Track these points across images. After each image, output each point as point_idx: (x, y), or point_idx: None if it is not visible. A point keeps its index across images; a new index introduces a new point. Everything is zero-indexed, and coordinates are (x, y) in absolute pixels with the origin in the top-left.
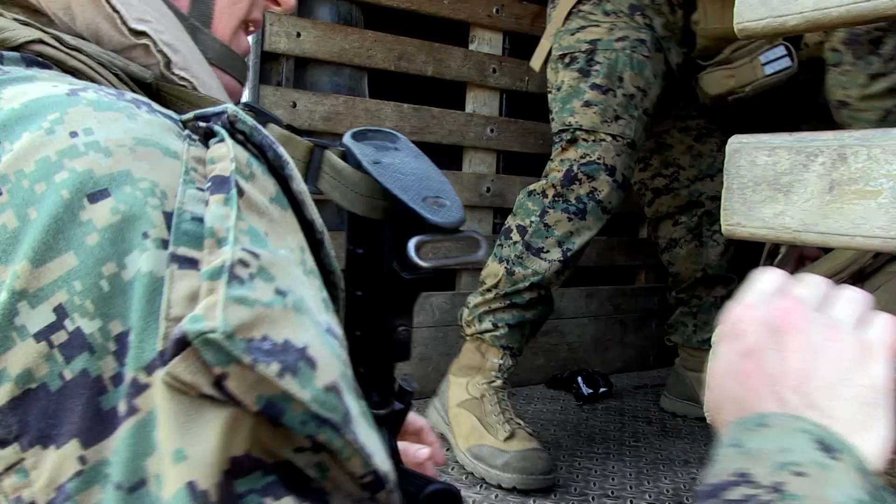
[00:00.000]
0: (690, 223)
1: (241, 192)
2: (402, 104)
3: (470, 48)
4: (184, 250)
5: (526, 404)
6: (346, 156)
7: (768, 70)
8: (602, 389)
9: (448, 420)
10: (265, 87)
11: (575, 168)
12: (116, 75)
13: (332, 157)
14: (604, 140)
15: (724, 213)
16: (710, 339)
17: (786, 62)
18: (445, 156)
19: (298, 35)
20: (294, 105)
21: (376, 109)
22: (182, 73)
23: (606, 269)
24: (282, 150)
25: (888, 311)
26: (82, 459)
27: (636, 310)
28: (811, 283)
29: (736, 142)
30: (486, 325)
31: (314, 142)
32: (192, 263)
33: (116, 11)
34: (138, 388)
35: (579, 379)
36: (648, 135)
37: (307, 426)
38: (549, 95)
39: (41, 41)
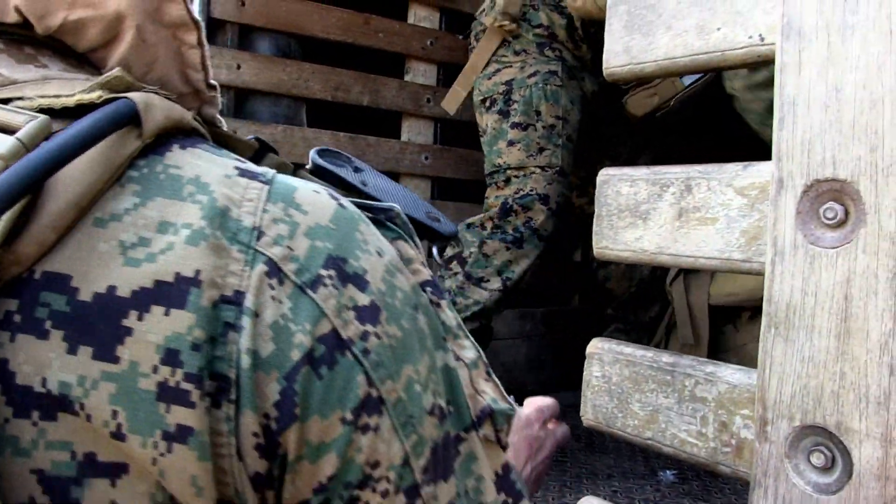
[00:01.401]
0: None
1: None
2: (338, 133)
3: (405, 79)
4: (452, 345)
5: None
6: (318, 173)
7: (687, 81)
8: None
9: None
10: None
11: (510, 201)
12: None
13: (307, 176)
14: (533, 173)
15: (595, 238)
16: None
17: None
18: None
19: (238, 67)
20: (234, 133)
21: (314, 137)
22: (214, 114)
23: (540, 291)
24: (416, 237)
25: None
26: (456, 486)
27: (570, 330)
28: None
29: (604, 174)
30: None
31: (294, 164)
32: (455, 356)
33: (205, 68)
34: (460, 440)
35: (511, 398)
36: (581, 161)
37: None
38: (482, 139)
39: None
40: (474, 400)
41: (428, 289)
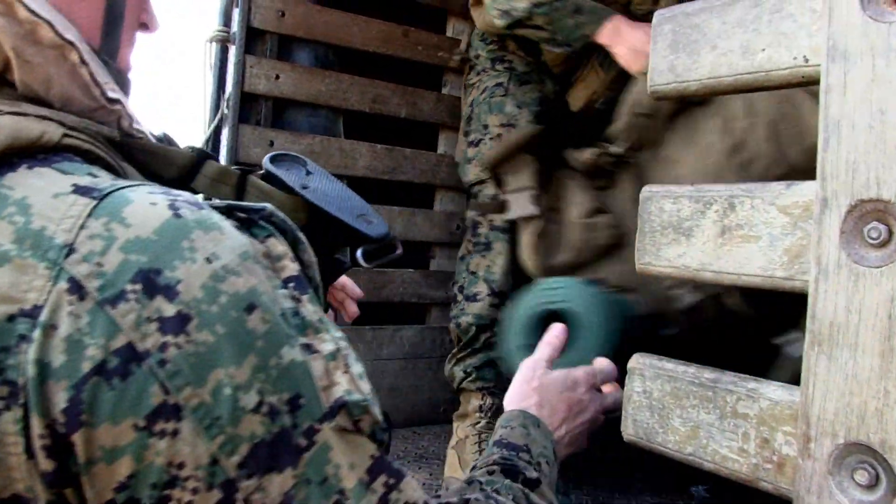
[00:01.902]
0: None
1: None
2: (375, 145)
3: (442, 92)
4: (303, 340)
5: None
6: (269, 178)
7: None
8: None
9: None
10: (244, 127)
11: (475, 216)
12: (100, 141)
13: (256, 180)
14: (490, 180)
15: (637, 253)
16: None
17: None
18: (417, 194)
19: (277, 77)
20: (271, 143)
21: (351, 149)
22: (138, 126)
23: None
24: (301, 234)
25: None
26: (294, 476)
27: None
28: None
29: (647, 191)
30: (459, 374)
31: (241, 169)
32: (310, 349)
33: (97, 84)
34: (313, 432)
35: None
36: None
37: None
38: None
39: (67, 135)
40: (328, 392)
41: (290, 284)
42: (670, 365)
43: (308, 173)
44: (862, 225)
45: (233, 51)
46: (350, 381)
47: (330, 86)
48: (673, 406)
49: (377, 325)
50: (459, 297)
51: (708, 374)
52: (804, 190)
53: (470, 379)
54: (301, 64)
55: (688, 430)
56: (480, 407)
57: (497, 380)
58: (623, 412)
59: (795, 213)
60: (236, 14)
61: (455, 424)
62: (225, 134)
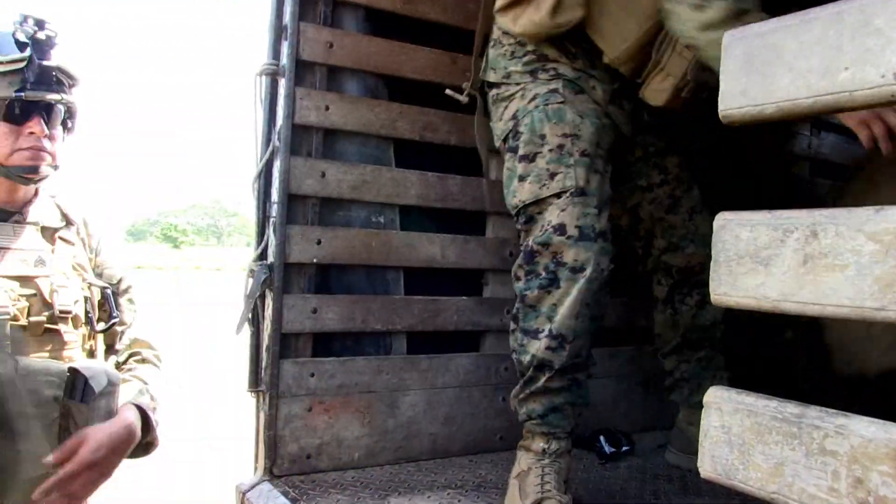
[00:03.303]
0: (662, 293)
1: None
2: (426, 173)
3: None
4: None
5: None
6: None
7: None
8: (625, 448)
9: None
10: (296, 158)
11: (531, 243)
12: None
13: None
14: (551, 204)
15: (712, 284)
16: (702, 399)
17: None
18: (469, 222)
19: (327, 108)
20: (323, 175)
21: (402, 178)
22: None
23: (628, 330)
24: None
25: None
26: None
27: (658, 369)
28: None
29: (721, 219)
30: (524, 415)
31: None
32: None
33: None
34: None
35: (601, 437)
36: (603, 177)
37: None
38: None
39: None
40: None
41: None
42: (750, 399)
43: None
44: None
45: (282, 83)
46: None
47: (380, 115)
48: (754, 442)
49: (432, 354)
50: (515, 328)
51: (792, 408)
52: (895, 216)
53: (534, 423)
54: (350, 94)
55: (771, 466)
56: (545, 451)
57: (564, 423)
58: (700, 447)
59: (886, 240)
60: (285, 47)
61: (520, 453)
62: (277, 166)
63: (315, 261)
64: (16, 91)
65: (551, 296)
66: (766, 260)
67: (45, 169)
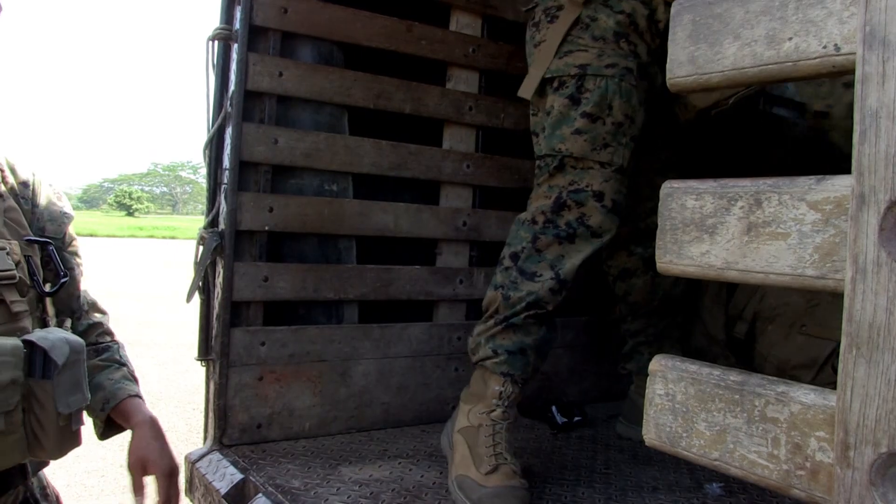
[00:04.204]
0: (645, 254)
1: None
2: (380, 141)
3: (447, 87)
4: None
5: None
6: None
7: None
8: (576, 418)
9: (451, 445)
10: (248, 125)
11: (564, 195)
12: None
13: None
14: (592, 167)
15: (658, 252)
16: None
17: None
18: (423, 190)
19: (280, 74)
20: (276, 142)
21: (356, 146)
22: None
23: (581, 300)
24: None
25: None
26: None
27: (611, 340)
28: None
29: (668, 187)
30: (487, 351)
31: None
32: None
33: None
34: None
35: (554, 408)
36: (636, 160)
37: None
38: (534, 118)
39: None
40: None
41: None
42: (694, 367)
43: None
44: None
45: (235, 49)
46: None
47: (334, 82)
48: (698, 409)
49: (384, 324)
50: (510, 265)
51: (734, 376)
52: (836, 185)
53: (497, 360)
54: (304, 61)
55: (714, 434)
56: (500, 394)
57: (524, 369)
58: (645, 415)
59: (827, 209)
60: (238, 12)
61: (466, 406)
62: (229, 132)
63: (267, 228)
64: None
65: (562, 247)
66: (711, 228)
67: None
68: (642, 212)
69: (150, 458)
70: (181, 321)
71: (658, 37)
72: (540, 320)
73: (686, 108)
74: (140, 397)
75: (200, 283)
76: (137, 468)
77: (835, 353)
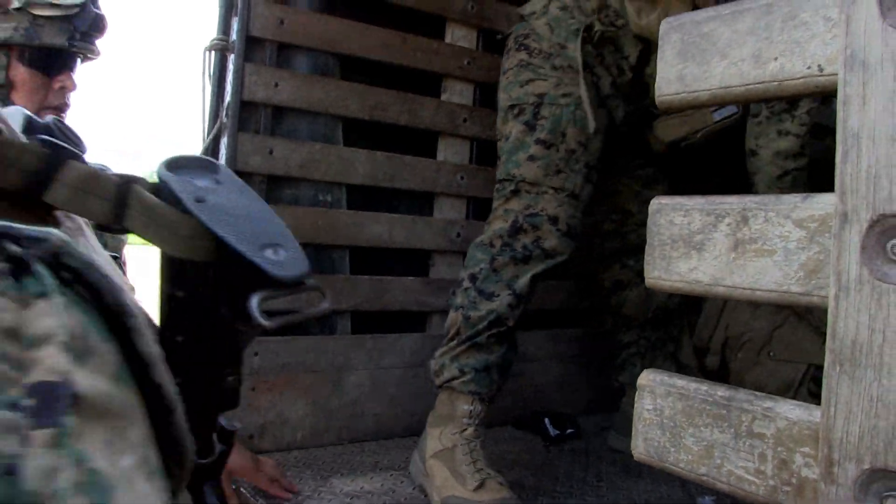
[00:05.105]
0: (637, 266)
1: (76, 401)
2: (375, 152)
3: (442, 98)
4: None
5: (493, 445)
6: (160, 190)
7: (717, 116)
8: (569, 430)
9: (425, 472)
10: (243, 135)
11: (520, 219)
12: None
13: (141, 192)
14: (546, 192)
15: (647, 267)
16: None
17: (732, 108)
18: (417, 201)
19: (276, 85)
20: (271, 152)
21: (350, 157)
22: None
23: (572, 313)
24: (124, 296)
25: None
26: None
27: (601, 352)
28: None
29: (657, 203)
30: (453, 371)
31: (122, 176)
32: None
33: None
34: None
35: (546, 420)
36: (594, 187)
37: None
38: (499, 143)
39: None
40: None
41: (27, 401)
42: (682, 382)
43: (218, 183)
44: (885, 240)
45: (232, 59)
46: None
47: (329, 93)
48: (685, 424)
49: (377, 334)
50: (469, 286)
51: (722, 391)
52: (820, 202)
53: (463, 380)
54: (300, 71)
55: (701, 449)
56: (470, 412)
57: (489, 387)
58: (633, 430)
59: (812, 227)
60: (235, 22)
61: (435, 430)
62: (224, 142)
63: None
64: (68, 40)
65: (517, 268)
66: (699, 244)
67: None
68: (632, 224)
69: (240, 463)
70: None
71: (632, 71)
72: (501, 339)
73: (657, 141)
74: None
75: None
76: (227, 480)
77: (807, 375)
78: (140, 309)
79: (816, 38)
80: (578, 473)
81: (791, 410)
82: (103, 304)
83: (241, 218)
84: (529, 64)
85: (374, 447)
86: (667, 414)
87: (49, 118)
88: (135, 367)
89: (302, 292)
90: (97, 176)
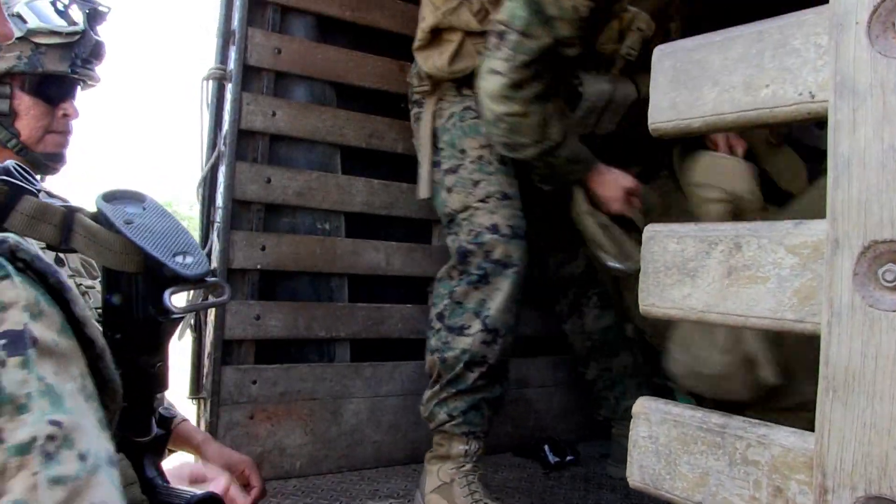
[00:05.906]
0: (570, 298)
1: (34, 342)
2: (372, 180)
3: None
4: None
5: (493, 472)
6: (98, 216)
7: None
8: (569, 458)
9: None
10: (241, 164)
11: (465, 244)
12: None
13: (83, 219)
14: (476, 209)
15: (641, 294)
16: (631, 406)
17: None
18: (415, 229)
19: (274, 114)
20: (269, 181)
21: (348, 185)
22: None
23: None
24: (63, 275)
25: None
26: None
27: None
28: None
29: (650, 230)
30: (443, 416)
31: (67, 206)
32: None
33: None
34: None
35: (546, 447)
36: (518, 181)
37: None
38: None
39: None
40: None
41: (2, 341)
42: (677, 409)
43: (144, 209)
44: (876, 267)
45: (229, 88)
46: (30, 488)
47: (326, 122)
48: (680, 452)
49: (376, 362)
50: (438, 326)
51: (716, 418)
52: (813, 229)
53: (455, 423)
54: (297, 100)
55: (696, 476)
56: (466, 452)
57: (482, 423)
58: (629, 457)
59: (804, 254)
60: (233, 52)
61: (433, 467)
62: (222, 171)
63: (259, 267)
64: (70, 67)
65: (479, 291)
66: (692, 271)
67: (66, 157)
68: (554, 262)
69: (235, 459)
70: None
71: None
72: (488, 378)
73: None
74: (187, 420)
75: (192, 322)
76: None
77: None
78: (71, 286)
79: (807, 65)
80: (578, 500)
81: (786, 437)
82: (48, 283)
83: (160, 234)
84: (417, 115)
85: (374, 475)
86: (662, 441)
87: (10, 162)
88: (73, 326)
89: (205, 287)
90: (47, 207)
